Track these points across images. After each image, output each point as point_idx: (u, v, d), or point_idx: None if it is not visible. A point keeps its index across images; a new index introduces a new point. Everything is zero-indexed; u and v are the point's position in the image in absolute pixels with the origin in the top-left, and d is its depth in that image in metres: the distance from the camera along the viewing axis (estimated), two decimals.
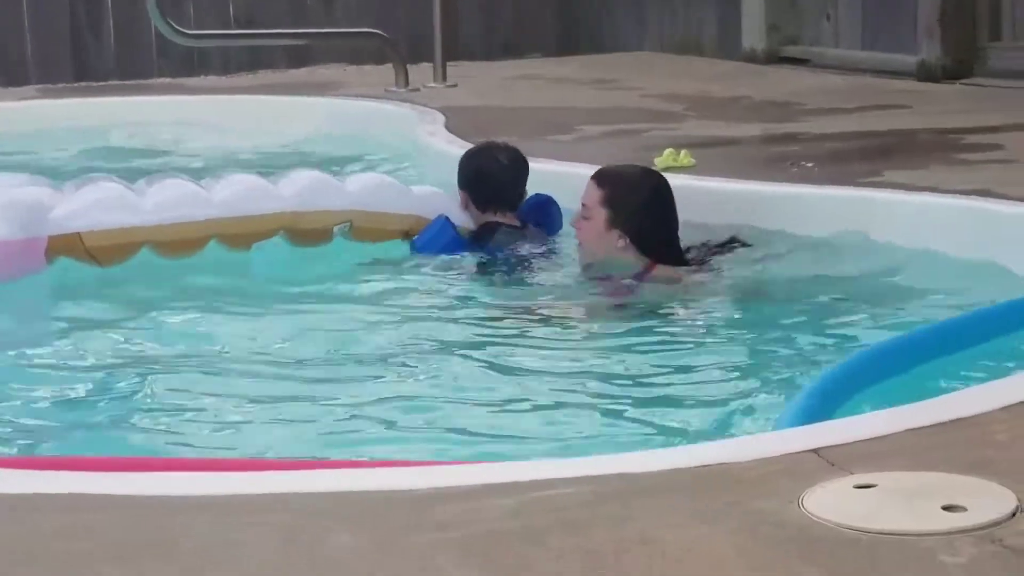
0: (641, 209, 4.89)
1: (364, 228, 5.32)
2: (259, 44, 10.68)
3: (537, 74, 9.60)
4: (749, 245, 5.05)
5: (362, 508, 2.62)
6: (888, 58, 8.75)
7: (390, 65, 8.98)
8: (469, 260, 5.27)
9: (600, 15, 11.51)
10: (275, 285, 5.15)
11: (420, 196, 5.51)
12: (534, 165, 5.58)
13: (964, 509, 2.46)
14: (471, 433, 3.71)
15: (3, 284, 4.88)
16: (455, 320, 4.74)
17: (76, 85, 10.07)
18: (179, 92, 9.29)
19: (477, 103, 8.18)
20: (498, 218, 5.42)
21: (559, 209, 5.51)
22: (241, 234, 5.16)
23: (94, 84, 10.10)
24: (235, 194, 5.22)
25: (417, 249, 5.36)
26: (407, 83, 8.78)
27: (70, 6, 10.84)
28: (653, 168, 5.20)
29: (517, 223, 5.44)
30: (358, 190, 5.38)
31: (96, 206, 5.07)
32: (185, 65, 10.63)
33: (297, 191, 5.28)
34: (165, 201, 5.14)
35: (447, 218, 5.36)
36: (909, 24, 8.60)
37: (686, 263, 4.97)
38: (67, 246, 4.99)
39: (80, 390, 4.21)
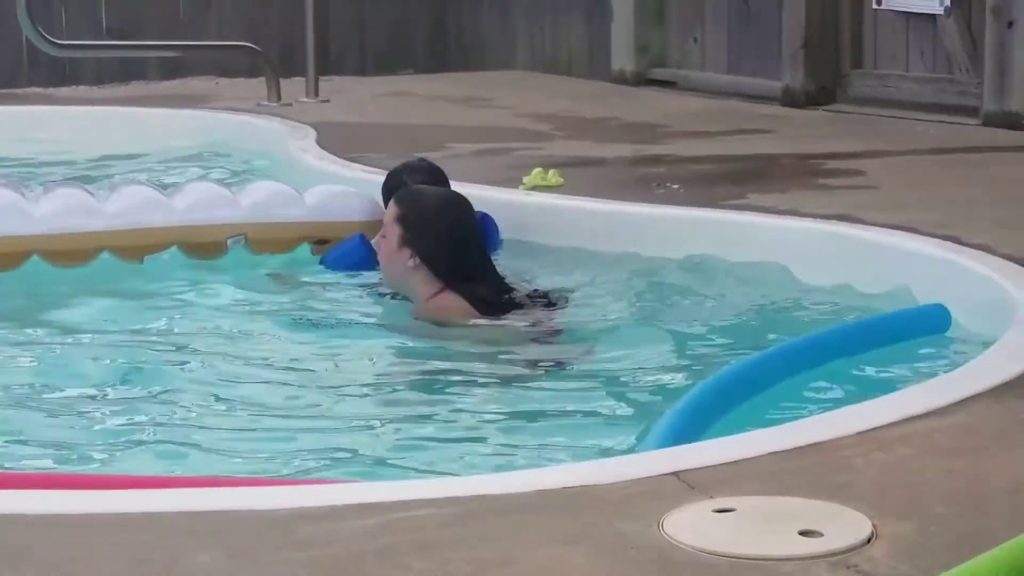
0: (432, 230, 4.73)
1: (260, 240, 5.32)
2: (131, 55, 10.56)
3: (409, 91, 9.57)
4: (562, 305, 4.84)
5: (220, 527, 2.58)
6: (753, 83, 8.82)
7: (263, 78, 8.91)
8: (371, 277, 5.18)
9: (472, 32, 11.52)
10: (165, 298, 5.08)
11: (315, 202, 5.46)
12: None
13: (820, 535, 2.47)
14: (333, 452, 3.67)
15: None
16: (332, 339, 4.67)
17: None
18: (49, 102, 9.16)
19: (349, 119, 8.14)
20: None
21: (495, 225, 5.41)
22: (133, 246, 5.16)
23: None
24: (127, 206, 5.21)
25: (326, 265, 5.31)
26: (279, 97, 8.70)
27: None
28: (457, 192, 5.04)
29: None
30: (250, 202, 5.37)
31: None
32: (56, 74, 10.47)
33: (189, 204, 5.27)
34: (56, 210, 5.13)
35: (363, 236, 5.28)
36: (774, 49, 8.68)
37: (490, 290, 4.73)
38: None
39: None
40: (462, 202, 4.88)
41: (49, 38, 8.47)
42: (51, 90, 9.86)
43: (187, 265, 5.28)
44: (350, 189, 5.68)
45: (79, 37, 10.56)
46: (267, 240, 5.33)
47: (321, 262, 5.32)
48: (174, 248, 5.23)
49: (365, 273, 5.21)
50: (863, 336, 4.14)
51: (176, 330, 4.76)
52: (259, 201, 5.39)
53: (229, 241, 5.27)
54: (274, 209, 5.39)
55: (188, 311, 4.94)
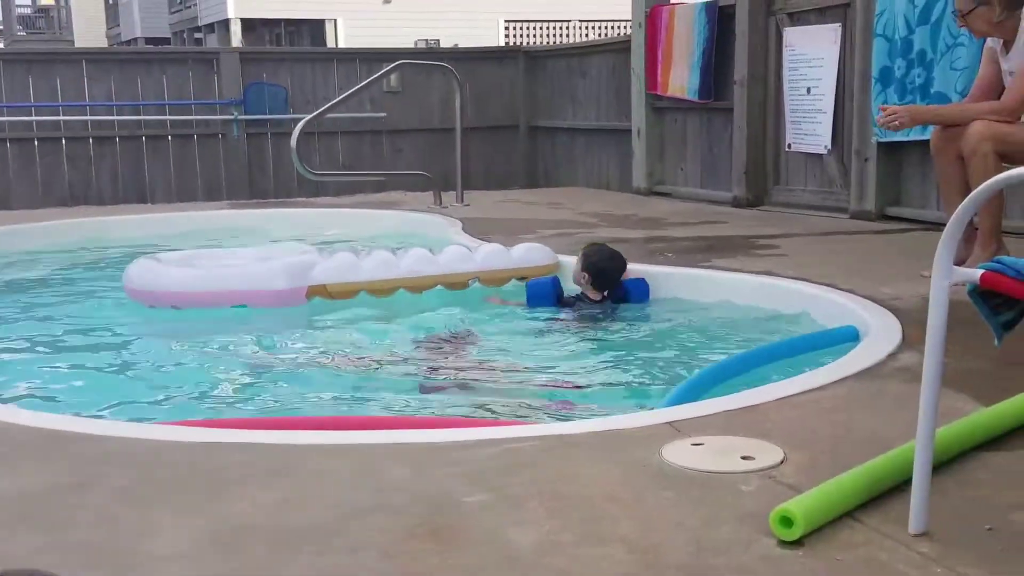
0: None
1: (487, 279, 5.34)
2: (356, 180, 10.68)
3: (515, 199, 9.58)
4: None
5: (407, 451, 2.62)
6: (715, 193, 8.78)
7: (431, 192, 8.98)
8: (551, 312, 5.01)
9: (551, 163, 11.56)
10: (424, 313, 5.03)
11: (518, 254, 5.44)
12: None
13: (753, 459, 2.48)
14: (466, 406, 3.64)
15: (280, 310, 4.97)
16: (518, 341, 4.57)
17: (250, 201, 10.04)
18: (310, 207, 9.25)
19: (480, 215, 8.17)
20: (590, 294, 5.04)
21: (647, 285, 5.17)
22: (417, 287, 5.21)
23: (262, 200, 10.08)
24: (414, 261, 5.25)
25: (529, 297, 5.09)
26: (441, 203, 8.75)
27: (247, 156, 10.85)
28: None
29: (598, 298, 5.04)
30: (481, 257, 5.37)
31: (335, 268, 5.14)
32: (313, 190, 10.63)
33: (448, 259, 5.30)
34: (375, 265, 5.19)
35: (556, 279, 5.15)
36: (727, 174, 8.64)
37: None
38: (318, 291, 5.08)
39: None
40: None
41: (308, 169, 8.57)
42: (312, 199, 9.99)
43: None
44: (537, 244, 5.59)
45: (326, 169, 10.71)
46: (492, 279, 5.34)
47: (529, 302, 5.05)
48: (439, 287, 5.26)
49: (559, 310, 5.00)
50: (808, 345, 3.90)
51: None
52: (486, 256, 5.38)
53: (470, 281, 5.30)
54: (495, 260, 5.38)
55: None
